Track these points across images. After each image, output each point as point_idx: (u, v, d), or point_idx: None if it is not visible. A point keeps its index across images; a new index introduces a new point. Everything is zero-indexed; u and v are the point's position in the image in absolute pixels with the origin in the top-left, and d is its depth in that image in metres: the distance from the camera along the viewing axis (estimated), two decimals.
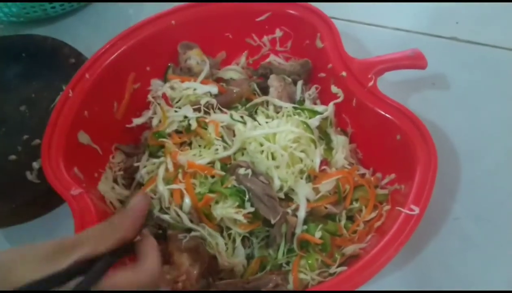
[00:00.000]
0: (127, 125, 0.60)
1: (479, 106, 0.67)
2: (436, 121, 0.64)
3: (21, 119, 0.65)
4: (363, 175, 0.56)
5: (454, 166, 0.62)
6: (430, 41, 0.74)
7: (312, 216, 0.52)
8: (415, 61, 0.56)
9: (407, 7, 0.79)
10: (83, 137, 0.55)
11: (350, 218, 0.54)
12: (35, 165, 0.59)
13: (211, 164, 0.53)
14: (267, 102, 0.59)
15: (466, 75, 0.69)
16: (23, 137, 0.63)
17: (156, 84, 0.62)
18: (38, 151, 0.58)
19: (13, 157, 0.61)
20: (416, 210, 0.46)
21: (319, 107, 0.58)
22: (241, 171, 0.50)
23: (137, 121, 0.60)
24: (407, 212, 0.46)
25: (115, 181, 0.58)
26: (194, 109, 0.57)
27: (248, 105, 0.59)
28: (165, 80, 0.62)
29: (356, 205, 0.54)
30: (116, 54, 0.58)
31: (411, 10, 0.79)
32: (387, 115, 0.52)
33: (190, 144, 0.56)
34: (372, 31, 0.76)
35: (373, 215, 0.52)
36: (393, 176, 0.53)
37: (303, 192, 0.51)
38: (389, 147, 0.53)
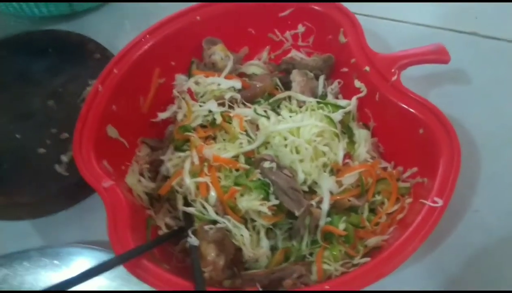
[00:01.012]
0: (153, 120, 0.61)
1: (499, 100, 0.67)
2: (457, 115, 0.64)
3: (49, 113, 0.66)
4: (385, 168, 0.57)
5: (474, 159, 0.62)
6: (451, 36, 0.75)
7: (335, 209, 0.53)
8: (439, 55, 0.57)
9: (427, 2, 0.79)
10: (112, 131, 0.56)
11: (373, 211, 0.55)
12: (64, 158, 0.61)
13: (236, 157, 0.54)
14: (290, 97, 0.59)
15: (486, 70, 0.70)
16: (51, 130, 0.64)
17: (180, 79, 0.63)
18: (66, 144, 0.61)
19: (42, 150, 0.63)
20: (440, 202, 0.46)
21: (342, 102, 0.59)
22: (266, 164, 0.51)
23: (162, 115, 0.61)
24: (431, 204, 0.47)
25: (141, 174, 0.59)
26: (219, 104, 0.57)
27: (271, 100, 0.60)
28: (189, 75, 0.64)
29: (378, 197, 0.54)
30: (142, 49, 0.59)
31: (432, 6, 0.79)
32: (410, 109, 0.53)
33: (214, 138, 0.57)
34: (392, 26, 0.77)
35: (395, 207, 0.53)
36: (415, 169, 0.54)
37: (327, 185, 0.52)
38: (411, 140, 0.54)
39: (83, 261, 0.55)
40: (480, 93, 0.68)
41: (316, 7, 0.62)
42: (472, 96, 0.68)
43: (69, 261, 0.55)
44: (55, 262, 0.55)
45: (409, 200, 0.52)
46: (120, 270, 0.44)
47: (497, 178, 0.60)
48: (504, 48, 0.72)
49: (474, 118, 0.65)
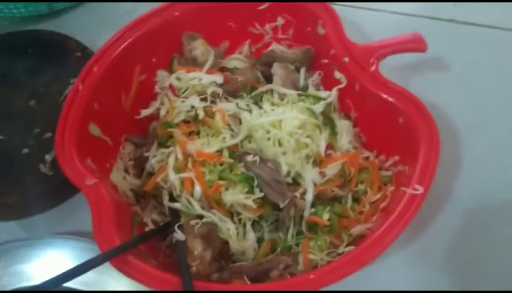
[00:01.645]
0: (136, 117, 0.61)
1: (478, 86, 0.68)
2: (437, 102, 0.65)
3: (32, 113, 0.66)
4: (367, 158, 0.57)
5: (455, 145, 0.63)
6: (429, 23, 0.75)
7: (319, 199, 0.54)
8: (416, 44, 0.57)
9: None
10: (94, 129, 0.56)
11: (356, 200, 0.56)
12: (48, 157, 0.61)
13: (219, 152, 0.54)
14: (272, 90, 0.60)
15: (465, 56, 0.71)
16: (34, 131, 0.64)
17: (162, 75, 0.63)
18: (50, 143, 0.61)
19: (26, 150, 0.63)
20: (420, 189, 0.47)
21: (323, 93, 0.59)
22: (249, 158, 0.52)
23: (145, 112, 0.61)
24: (412, 191, 0.48)
25: (126, 171, 0.59)
26: (201, 99, 0.58)
27: (253, 93, 0.60)
28: (170, 71, 0.64)
29: (361, 187, 0.55)
30: (122, 46, 0.59)
31: None
32: (389, 98, 0.54)
33: (198, 133, 0.57)
34: (371, 15, 0.77)
35: (378, 196, 0.54)
36: (396, 157, 0.55)
37: (310, 176, 0.53)
38: (392, 129, 0.55)
39: (65, 251, 0.55)
40: (459, 79, 0.69)
41: None
42: (452, 83, 0.69)
43: (50, 251, 0.55)
44: (35, 252, 0.55)
45: (391, 188, 0.53)
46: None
47: (477, 163, 0.61)
48: (482, 34, 0.73)
49: (455, 104, 0.66)
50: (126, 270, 0.45)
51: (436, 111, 0.63)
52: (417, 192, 0.47)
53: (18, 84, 0.69)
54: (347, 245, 0.52)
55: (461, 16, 0.75)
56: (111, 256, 0.45)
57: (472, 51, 0.72)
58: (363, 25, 0.75)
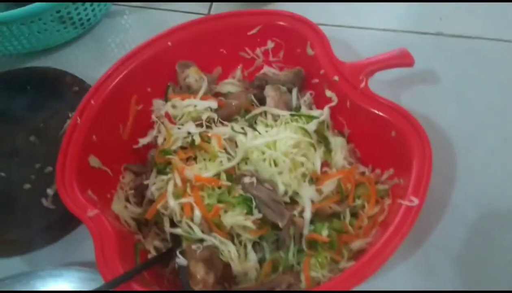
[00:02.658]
0: (134, 146, 0.62)
1: (469, 96, 0.70)
2: (430, 115, 0.67)
3: (32, 149, 0.68)
4: (363, 173, 0.58)
5: (450, 155, 0.64)
6: (417, 38, 0.77)
7: (318, 216, 0.54)
8: (403, 60, 0.59)
9: (391, 7, 0.82)
10: (94, 161, 0.58)
11: (354, 215, 0.56)
12: (50, 191, 0.62)
13: (217, 175, 0.55)
14: (265, 112, 0.61)
15: (455, 68, 0.72)
16: (35, 166, 0.65)
17: (158, 104, 0.65)
18: (51, 178, 0.62)
19: (27, 185, 0.64)
20: (416, 201, 0.48)
21: (315, 112, 0.61)
22: (246, 179, 0.53)
23: (143, 141, 0.62)
24: (407, 203, 0.48)
25: (127, 199, 0.60)
26: (197, 125, 0.59)
27: (247, 116, 0.61)
28: (166, 99, 0.65)
29: (359, 201, 0.56)
30: (118, 79, 0.61)
31: (396, 11, 0.82)
32: (380, 113, 0.55)
33: (195, 158, 0.58)
34: (360, 34, 0.79)
35: (376, 210, 0.54)
36: (391, 171, 0.56)
37: (307, 194, 0.54)
38: (385, 143, 0.56)
39: (68, 282, 0.55)
40: (450, 90, 0.71)
41: (282, 23, 0.64)
42: (443, 94, 0.70)
43: (53, 282, 0.55)
44: (38, 284, 0.55)
45: (388, 201, 0.54)
46: None
47: (472, 171, 0.62)
48: (470, 45, 0.75)
49: (446, 115, 0.67)
50: None
51: (429, 123, 0.66)
52: (412, 204, 0.48)
53: (17, 121, 0.70)
54: (348, 260, 0.52)
55: (448, 29, 0.77)
56: (115, 284, 0.45)
57: (461, 63, 0.73)
58: (353, 43, 0.77)
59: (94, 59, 0.81)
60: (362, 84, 0.57)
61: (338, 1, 0.84)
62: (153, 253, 0.56)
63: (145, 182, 0.60)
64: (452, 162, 0.64)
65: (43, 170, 0.65)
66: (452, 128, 0.66)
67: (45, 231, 0.60)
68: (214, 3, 0.87)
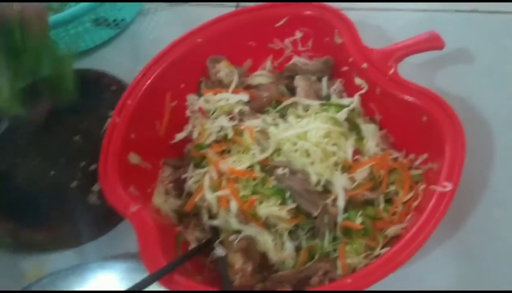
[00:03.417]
0: (171, 141, 0.65)
1: (506, 75, 0.68)
2: (465, 96, 0.65)
3: (77, 148, 0.71)
4: (396, 159, 0.58)
5: (486, 136, 0.63)
6: (450, 17, 0.75)
7: (352, 204, 0.55)
8: (432, 43, 0.58)
9: None
10: (134, 158, 0.60)
11: (389, 201, 0.56)
12: (95, 188, 0.65)
13: (251, 167, 0.57)
14: (296, 102, 0.62)
15: (491, 46, 0.70)
16: (81, 164, 0.69)
17: (191, 99, 0.66)
18: (96, 175, 0.65)
19: (74, 183, 0.67)
20: (449, 186, 0.48)
21: (345, 100, 0.61)
22: (279, 170, 0.54)
23: (179, 136, 0.65)
24: (441, 189, 0.48)
25: (166, 193, 0.62)
26: (229, 119, 0.61)
27: (278, 107, 0.62)
28: (199, 94, 0.67)
29: (392, 188, 0.56)
30: (152, 78, 0.63)
31: None
32: (410, 99, 0.55)
33: (229, 151, 0.60)
34: (390, 16, 0.78)
35: (409, 195, 0.54)
36: (425, 156, 0.55)
37: (340, 183, 0.54)
38: (417, 129, 0.55)
39: (115, 274, 0.58)
40: (486, 70, 0.69)
41: (308, 12, 0.65)
42: (479, 74, 0.68)
43: (101, 274, 0.59)
44: (88, 276, 0.59)
45: (422, 186, 0.54)
46: None
47: (511, 151, 0.61)
48: (506, 21, 0.72)
49: (482, 94, 0.66)
50: (174, 288, 0.48)
51: (465, 104, 0.64)
52: (446, 189, 0.48)
53: (62, 122, 0.74)
54: (384, 246, 0.52)
55: (483, 6, 0.74)
56: (159, 276, 0.48)
57: (497, 40, 0.71)
58: (384, 26, 0.76)
59: (130, 57, 0.84)
60: (391, 71, 0.56)
61: None
62: (193, 243, 0.58)
63: (183, 176, 0.62)
64: (490, 143, 0.62)
65: (87, 168, 0.68)
66: (490, 109, 0.64)
67: (92, 226, 0.64)
68: None
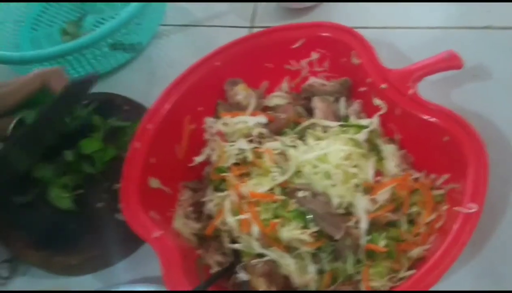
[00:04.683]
0: (190, 164, 0.65)
1: None
2: (483, 112, 0.65)
3: None
4: (417, 179, 0.58)
5: (508, 153, 0.62)
6: (465, 34, 0.75)
7: (374, 226, 0.54)
8: (451, 62, 0.58)
9: (434, 4, 0.80)
10: (154, 182, 0.61)
11: (411, 222, 0.56)
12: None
13: (271, 190, 0.57)
14: (314, 123, 0.62)
15: (507, 62, 0.70)
16: (104, 185, 0.68)
17: (210, 122, 0.67)
18: (118, 195, 0.65)
19: (100, 204, 0.67)
20: (474, 208, 0.47)
21: (364, 121, 0.61)
22: (300, 193, 0.54)
23: (198, 159, 0.65)
24: (466, 210, 0.48)
25: (186, 216, 0.63)
26: (248, 141, 0.61)
27: (296, 129, 0.62)
28: (216, 116, 0.67)
29: (414, 209, 0.56)
30: (171, 103, 0.64)
31: (440, 7, 0.80)
32: (430, 119, 0.55)
33: (248, 174, 0.60)
34: (405, 34, 0.77)
35: (432, 216, 0.54)
36: (446, 176, 0.55)
37: (362, 205, 0.54)
38: (438, 149, 0.55)
39: None
40: (503, 86, 0.68)
41: (325, 34, 0.65)
42: (495, 90, 0.68)
43: None
44: None
45: (445, 207, 0.53)
46: None
47: None
48: None
49: (501, 111, 0.65)
50: None
51: (483, 121, 0.64)
52: (471, 211, 0.47)
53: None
54: (408, 268, 0.52)
55: (497, 22, 0.74)
56: None
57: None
58: (398, 44, 0.76)
59: (146, 80, 0.85)
60: (411, 91, 0.57)
61: (380, 1, 0.83)
62: (214, 267, 0.58)
63: (203, 199, 0.62)
64: (509, 160, 0.62)
65: (111, 187, 0.67)
66: (508, 125, 0.64)
67: (122, 244, 0.64)
68: (256, 16, 0.88)
